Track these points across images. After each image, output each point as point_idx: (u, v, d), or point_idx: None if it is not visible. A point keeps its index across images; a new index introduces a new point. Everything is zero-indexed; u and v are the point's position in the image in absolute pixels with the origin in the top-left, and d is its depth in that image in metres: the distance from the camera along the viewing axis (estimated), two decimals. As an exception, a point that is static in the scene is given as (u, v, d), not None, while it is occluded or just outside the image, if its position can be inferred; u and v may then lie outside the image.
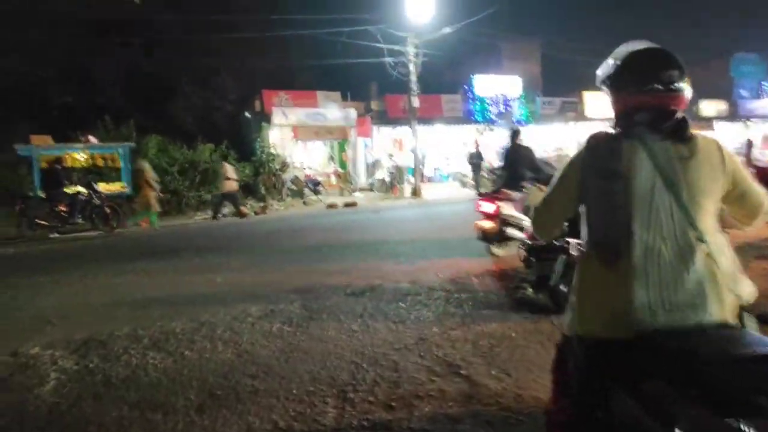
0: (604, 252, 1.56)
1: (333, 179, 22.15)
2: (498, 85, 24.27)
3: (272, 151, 19.26)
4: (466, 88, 23.87)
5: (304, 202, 18.02)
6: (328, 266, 6.56)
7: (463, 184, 22.66)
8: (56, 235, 11.39)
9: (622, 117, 1.65)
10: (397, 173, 21.08)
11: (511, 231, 6.30)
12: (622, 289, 1.50)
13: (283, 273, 6.35)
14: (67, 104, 21.33)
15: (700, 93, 30.17)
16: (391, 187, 20.70)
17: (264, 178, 18.06)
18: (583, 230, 1.67)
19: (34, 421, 2.87)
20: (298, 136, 21.30)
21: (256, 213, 15.44)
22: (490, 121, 23.58)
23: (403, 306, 4.74)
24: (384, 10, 19.50)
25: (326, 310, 4.73)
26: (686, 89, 1.64)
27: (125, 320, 4.64)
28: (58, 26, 20.32)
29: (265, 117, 20.76)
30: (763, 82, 33.40)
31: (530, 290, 5.12)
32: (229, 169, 14.26)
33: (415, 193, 19.74)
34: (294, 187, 18.80)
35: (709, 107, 30.25)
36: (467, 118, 23.68)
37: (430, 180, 23.06)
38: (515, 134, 6.92)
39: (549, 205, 1.74)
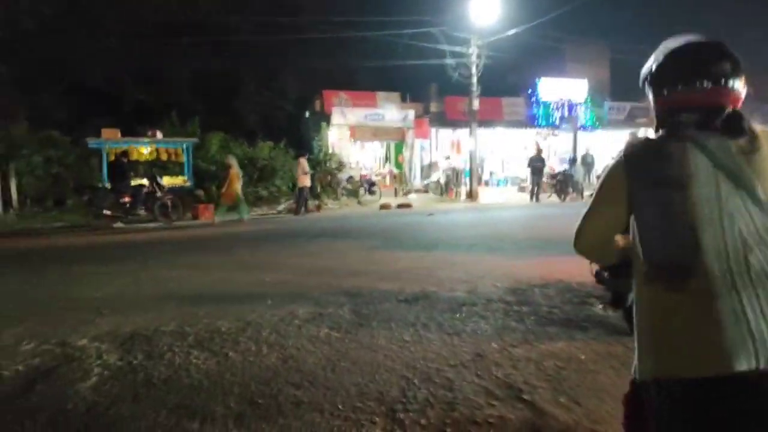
0: (668, 273, 1.29)
1: (388, 180, 22.02)
2: (563, 89, 23.36)
3: (330, 150, 19.32)
4: (530, 91, 23.10)
5: (359, 202, 17.95)
6: (379, 269, 6.32)
7: (521, 189, 21.97)
8: (120, 225, 11.77)
9: (666, 118, 1.45)
10: (453, 176, 20.69)
11: None
12: (704, 315, 1.23)
13: (332, 275, 6.16)
14: (139, 102, 22.26)
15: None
16: (446, 189, 20.34)
17: (320, 176, 18.12)
18: (636, 250, 1.38)
19: (72, 420, 2.77)
20: (355, 136, 21.29)
21: (308, 211, 15.46)
22: (554, 126, 22.72)
23: (459, 317, 4.42)
24: (447, 11, 19.14)
25: (377, 316, 4.48)
26: (741, 86, 1.39)
27: (172, 315, 4.57)
28: (134, 29, 21.29)
29: (325, 117, 20.88)
30: None
31: (600, 307, 4.69)
32: (306, 165, 14.74)
33: (471, 196, 19.29)
34: (349, 187, 18.77)
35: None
36: (529, 122, 22.92)
37: (486, 184, 22.48)
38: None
39: (592, 222, 1.51)
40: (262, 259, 7.35)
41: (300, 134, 22.99)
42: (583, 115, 23.35)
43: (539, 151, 19.25)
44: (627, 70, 27.32)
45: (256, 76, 22.43)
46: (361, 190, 18.79)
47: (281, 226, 11.88)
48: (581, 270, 6.01)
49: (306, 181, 14.70)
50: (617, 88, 26.22)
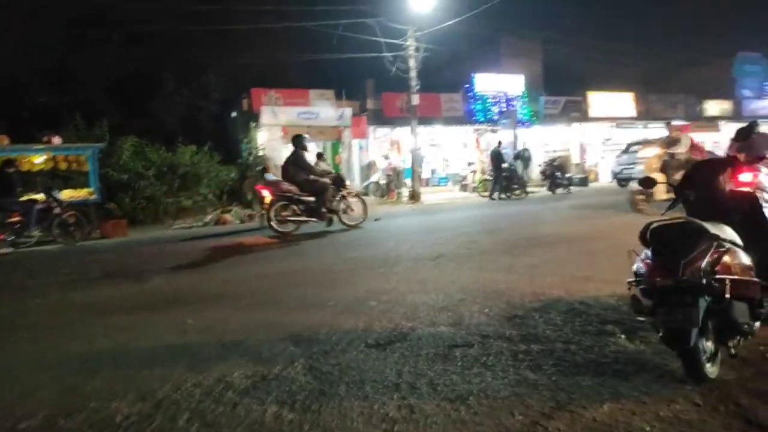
0: None
1: (325, 183, 20.67)
2: (500, 84, 22.97)
3: (260, 153, 17.73)
4: (467, 86, 22.52)
5: (296, 209, 16.48)
6: (333, 297, 5.08)
7: (463, 187, 21.35)
8: (9, 249, 9.78)
9: None
10: (394, 176, 19.71)
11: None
12: None
13: (277, 308, 4.86)
14: (41, 104, 19.63)
15: (705, 93, 29.23)
16: (387, 190, 19.32)
17: (251, 182, 16.51)
18: None
19: None
20: (288, 136, 19.76)
21: (241, 221, 13.91)
22: (492, 121, 22.25)
23: (455, 368, 3.27)
24: (381, 1, 18.08)
25: (343, 375, 3.25)
26: None
27: (45, 395, 3.12)
28: (37, 23, 18.80)
29: (254, 117, 19.25)
30: (765, 83, 32.57)
31: (623, 338, 3.70)
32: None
33: (414, 197, 18.36)
34: (284, 192, 17.26)
35: (713, 107, 29.29)
36: (468, 118, 22.33)
37: (428, 183, 21.68)
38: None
39: None
40: (183, 289, 5.90)
41: (227, 136, 21.17)
42: (520, 110, 23.06)
43: (499, 144, 18.64)
44: (559, 65, 27.58)
45: (176, 73, 20.37)
46: (297, 195, 17.35)
47: (207, 243, 10.31)
48: (572, 281, 5.05)
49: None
50: (550, 82, 26.32)
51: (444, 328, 4.00)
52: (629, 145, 20.16)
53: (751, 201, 3.53)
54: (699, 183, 3.59)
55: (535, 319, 4.10)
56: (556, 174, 17.96)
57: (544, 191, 18.72)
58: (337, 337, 3.91)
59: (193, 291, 5.77)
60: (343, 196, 10.66)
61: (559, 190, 17.80)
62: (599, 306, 4.33)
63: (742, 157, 3.73)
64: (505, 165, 17.28)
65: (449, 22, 18.32)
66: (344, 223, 10.55)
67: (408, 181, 19.82)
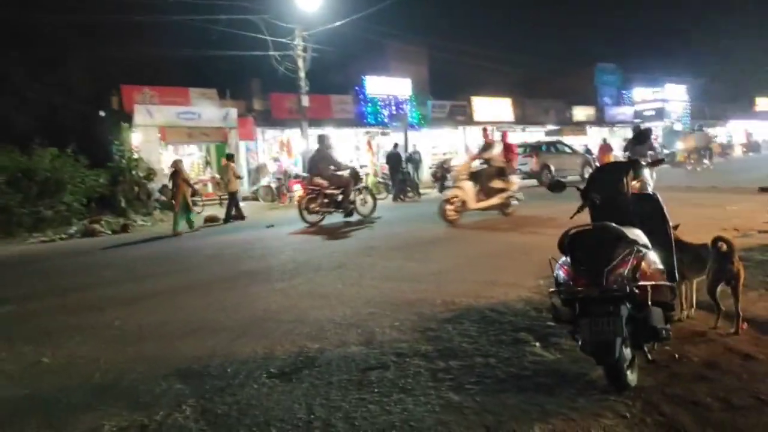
0: None
1: (210, 187, 19.47)
2: (389, 87, 23.15)
3: (135, 155, 16.14)
4: (358, 89, 22.41)
5: (177, 216, 15.20)
6: (226, 319, 4.51)
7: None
8: None
9: None
10: (285, 179, 19.01)
11: None
12: None
13: (158, 336, 4.19)
14: None
15: (572, 100, 31.86)
16: (278, 195, 18.56)
17: (125, 188, 14.97)
18: None
19: None
20: (166, 138, 18.29)
21: (114, 232, 12.52)
22: (383, 124, 22.35)
23: (371, 395, 2.93)
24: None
25: (243, 414, 2.77)
26: None
27: None
28: None
29: (126, 116, 17.51)
30: (622, 91, 36.27)
31: (538, 345, 3.60)
32: (237, 169, 14.03)
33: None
34: (164, 198, 15.89)
35: (580, 113, 31.98)
36: (359, 120, 22.22)
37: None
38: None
39: None
40: (38, 318, 4.96)
41: (94, 138, 19.10)
42: (409, 113, 23.41)
43: (396, 145, 18.58)
44: (443, 69, 28.50)
45: (29, 67, 17.93)
46: (180, 202, 16.06)
47: (72, 260, 9.04)
48: (479, 287, 4.95)
49: (235, 187, 13.95)
50: (436, 87, 27.09)
51: (355, 348, 3.65)
52: (511, 148, 21.23)
53: (653, 203, 3.59)
54: (604, 186, 3.57)
55: (449, 331, 3.89)
56: (446, 176, 18.38)
57: (435, 193, 19.09)
58: (234, 368, 3.40)
59: (52, 319, 4.87)
60: (359, 190, 11.56)
61: (450, 192, 18.25)
62: (510, 312, 4.23)
63: (643, 160, 3.79)
64: (403, 167, 17.39)
65: (336, 23, 18.06)
66: (361, 215, 11.40)
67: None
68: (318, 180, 10.86)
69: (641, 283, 2.72)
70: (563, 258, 3.00)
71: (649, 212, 3.56)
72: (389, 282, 5.42)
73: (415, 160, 21.01)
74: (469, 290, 4.93)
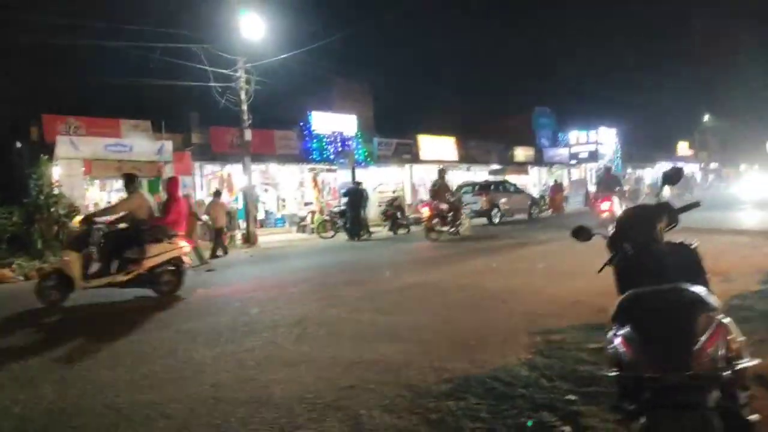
0: None
1: (141, 226, 17.88)
2: (335, 123, 22.62)
3: (55, 191, 14.50)
4: (302, 124, 21.72)
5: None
6: (161, 397, 3.53)
7: (301, 229, 20.25)
8: None
9: None
10: (227, 218, 17.79)
11: None
12: None
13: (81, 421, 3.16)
14: None
15: (513, 141, 32.62)
16: (217, 234, 17.27)
17: (42, 227, 13.31)
18: None
19: None
20: (92, 172, 16.71)
21: (27, 278, 10.94)
22: (329, 160, 21.68)
23: None
24: (208, 27, 16.50)
25: None
26: None
27: None
28: None
29: (47, 148, 15.84)
30: (558, 133, 37.67)
31: (568, 430, 2.90)
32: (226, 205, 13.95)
33: (249, 240, 16.72)
34: (87, 239, 14.26)
35: (521, 153, 32.74)
36: (304, 156, 21.45)
37: (263, 224, 20.12)
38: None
39: None
40: None
41: (9, 171, 17.25)
42: (355, 150, 22.91)
43: (358, 183, 17.86)
44: (389, 107, 28.45)
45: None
46: (106, 242, 14.50)
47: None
48: (469, 348, 4.23)
49: (222, 223, 14.09)
50: (381, 124, 26.89)
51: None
52: (459, 187, 21.10)
53: (691, 254, 3.05)
54: (636, 234, 2.99)
55: (452, 411, 3.12)
56: (397, 214, 17.84)
57: (384, 231, 18.47)
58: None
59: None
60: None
61: (401, 231, 17.66)
62: (517, 381, 3.53)
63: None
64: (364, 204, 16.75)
65: (281, 56, 17.44)
66: (459, 234, 14.25)
67: (241, 223, 18.07)
68: (441, 205, 13.95)
69: (739, 364, 2.10)
70: (622, 329, 2.35)
71: (686, 265, 3.00)
72: (364, 342, 4.60)
73: (363, 197, 20.41)
74: (458, 351, 4.21)
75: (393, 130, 26.26)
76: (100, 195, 19.00)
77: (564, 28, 71.21)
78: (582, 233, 3.23)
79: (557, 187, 26.08)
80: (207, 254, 12.39)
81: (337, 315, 5.63)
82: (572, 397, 3.26)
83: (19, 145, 17.18)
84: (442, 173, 15.05)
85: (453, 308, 5.72)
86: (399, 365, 3.94)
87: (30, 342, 5.36)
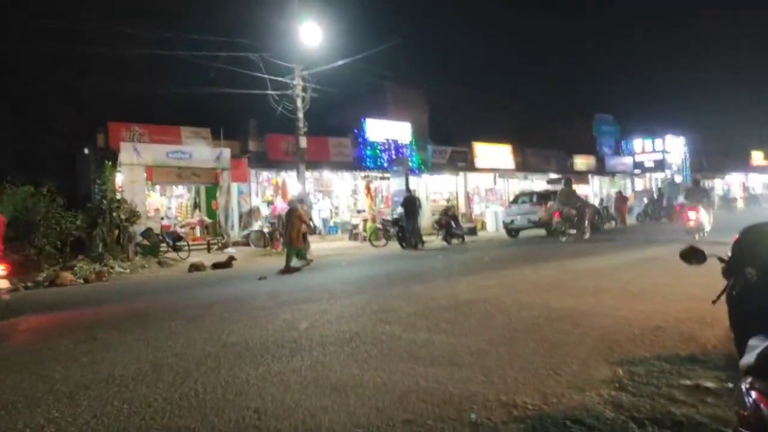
0: None
1: (198, 231, 18.26)
2: (388, 131, 22.40)
3: (117, 196, 14.94)
4: (357, 131, 21.61)
5: (159, 262, 13.95)
6: (200, 423, 3.24)
7: (353, 237, 20.06)
8: None
9: None
10: (279, 224, 17.82)
11: None
12: None
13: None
14: None
15: (572, 149, 31.36)
16: (271, 240, 17.36)
17: (103, 231, 13.70)
18: None
19: None
20: (153, 178, 17.19)
21: (86, 281, 11.20)
22: (382, 168, 21.44)
23: None
24: (266, 35, 16.67)
25: None
26: None
27: None
28: None
29: (111, 154, 16.41)
30: (621, 141, 35.99)
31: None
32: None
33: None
34: (146, 243, 14.62)
35: (581, 162, 31.43)
36: (357, 164, 21.31)
37: (317, 232, 20.06)
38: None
39: None
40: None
41: (76, 177, 17.98)
42: (409, 158, 22.59)
43: (411, 190, 17.70)
44: (443, 115, 27.95)
45: (4, 98, 16.88)
46: (163, 247, 14.81)
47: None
48: (540, 378, 3.70)
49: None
50: (435, 132, 26.41)
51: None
52: (517, 196, 20.36)
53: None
54: (761, 257, 2.43)
55: None
56: (451, 224, 17.33)
57: (437, 241, 17.98)
58: None
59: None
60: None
61: (454, 241, 17.13)
62: (601, 426, 3.01)
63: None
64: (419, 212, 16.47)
65: (337, 63, 17.39)
66: (586, 236, 16.08)
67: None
68: (568, 210, 15.63)
69: None
70: (760, 382, 1.82)
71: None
72: (420, 365, 4.18)
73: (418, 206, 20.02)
74: (527, 383, 3.71)
75: (447, 137, 25.77)
76: (161, 200, 19.53)
77: (628, 33, 68.57)
78: (694, 256, 2.70)
79: (621, 198, 24.85)
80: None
81: (390, 333, 5.23)
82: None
83: (86, 151, 17.90)
84: (569, 182, 16.83)
85: (518, 330, 5.20)
86: (460, 397, 3.49)
87: (73, 351, 5.27)
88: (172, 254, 14.84)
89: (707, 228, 13.47)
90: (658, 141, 34.87)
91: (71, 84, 18.14)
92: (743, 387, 1.87)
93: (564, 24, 63.03)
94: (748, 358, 1.93)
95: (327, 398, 3.57)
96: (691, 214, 13.67)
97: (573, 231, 15.75)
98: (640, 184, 34.25)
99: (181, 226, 18.08)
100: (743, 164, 43.24)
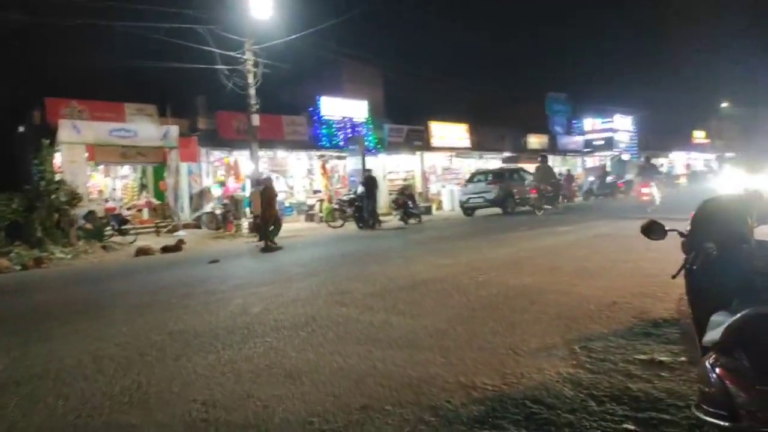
0: None
1: (146, 214, 17.53)
2: (344, 109, 22.01)
3: (56, 177, 14.08)
4: (312, 110, 21.13)
5: (104, 247, 13.30)
6: (141, 417, 3.02)
7: (309, 218, 19.77)
8: None
9: None
10: (232, 205, 17.36)
11: None
12: None
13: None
14: None
15: (527, 128, 31.79)
16: (224, 222, 16.87)
17: (42, 215, 12.91)
18: None
19: None
20: (95, 157, 16.31)
21: (24, 267, 10.55)
22: (338, 147, 21.10)
23: None
24: (214, 7, 15.88)
25: None
26: None
27: None
28: None
29: (48, 132, 15.40)
30: (573, 121, 36.75)
31: None
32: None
33: (256, 229, 16.20)
34: (89, 227, 13.88)
35: (534, 141, 31.94)
36: (313, 142, 20.89)
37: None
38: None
39: None
40: None
41: (12, 156, 16.86)
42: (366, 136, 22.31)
43: (368, 170, 17.47)
44: (400, 93, 27.70)
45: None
46: (108, 231, 14.11)
47: None
48: (499, 357, 3.67)
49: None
50: (392, 110, 26.18)
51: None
52: (473, 175, 20.48)
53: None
54: (720, 230, 2.39)
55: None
56: (408, 203, 17.26)
57: (394, 221, 17.92)
58: None
59: None
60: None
61: (412, 221, 17.09)
62: (561, 404, 2.97)
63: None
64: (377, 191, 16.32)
65: (290, 38, 16.83)
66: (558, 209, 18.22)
67: (248, 211, 17.60)
68: (546, 187, 17.34)
69: None
70: (732, 360, 1.76)
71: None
72: (377, 348, 4.06)
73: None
74: (487, 363, 3.65)
75: (404, 116, 25.59)
76: (105, 181, 18.64)
77: (579, 14, 69.77)
78: (655, 230, 2.63)
79: (568, 177, 25.51)
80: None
81: (346, 315, 5.08)
82: (630, 427, 2.70)
83: (21, 129, 16.77)
84: (544, 160, 18.53)
85: (476, 309, 5.15)
86: (419, 380, 3.39)
87: (4, 343, 4.88)
88: (117, 238, 14.17)
89: (657, 202, 14.71)
90: (608, 120, 35.80)
91: (3, 57, 16.87)
92: (707, 364, 1.82)
93: (519, 4, 63.53)
94: (713, 335, 1.87)
95: (281, 386, 3.40)
96: (645, 190, 15.23)
97: (548, 206, 17.23)
98: (590, 162, 35.18)
99: (128, 209, 17.30)
100: (686, 143, 45.09)
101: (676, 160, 43.33)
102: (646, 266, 6.63)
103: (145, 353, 4.25)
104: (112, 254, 12.84)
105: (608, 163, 33.47)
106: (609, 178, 26.08)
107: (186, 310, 5.72)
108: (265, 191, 12.96)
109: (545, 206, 17.04)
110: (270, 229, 12.50)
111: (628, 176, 26.94)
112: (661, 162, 40.07)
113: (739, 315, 1.72)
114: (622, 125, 36.93)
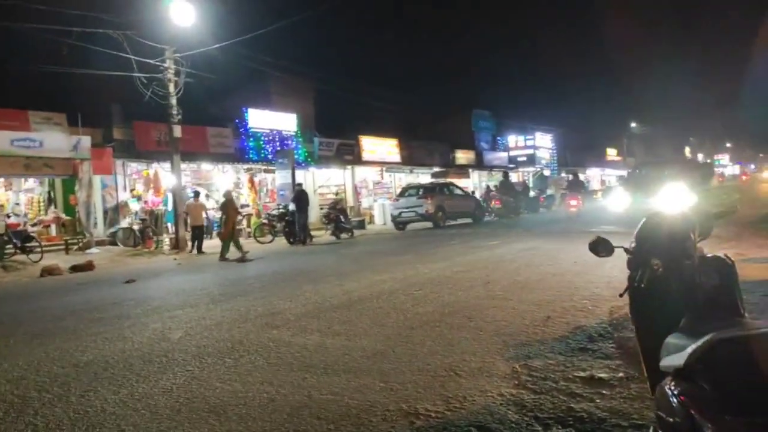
0: None
1: (54, 230, 16.16)
2: (273, 121, 21.49)
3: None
4: (238, 122, 20.44)
5: (3, 267, 12.07)
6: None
7: (238, 233, 18.98)
8: None
9: None
10: (152, 221, 16.38)
11: None
12: None
13: None
14: None
15: (455, 144, 32.54)
16: (142, 239, 15.87)
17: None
18: None
19: None
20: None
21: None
22: (267, 160, 20.52)
23: None
24: (130, 11, 14.99)
25: None
26: None
27: None
28: None
29: (-62, 141, 13.84)
30: (498, 137, 38.08)
31: None
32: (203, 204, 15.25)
33: (178, 245, 15.36)
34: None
35: (462, 156, 32.74)
36: (240, 155, 20.19)
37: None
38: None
39: None
40: None
41: None
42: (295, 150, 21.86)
43: (298, 184, 16.98)
44: (330, 107, 27.50)
45: None
46: (9, 249, 12.82)
47: None
48: (441, 379, 3.52)
49: (201, 220, 14.77)
50: (322, 124, 25.91)
51: None
52: (404, 189, 20.57)
53: (726, 271, 2.45)
54: (666, 247, 2.35)
55: None
56: (340, 218, 16.99)
57: (326, 236, 17.59)
58: None
59: None
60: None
61: (344, 235, 16.82)
62: (507, 429, 2.85)
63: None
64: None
65: (214, 46, 16.22)
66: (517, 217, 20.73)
67: (170, 226, 16.64)
68: (508, 199, 20.89)
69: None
70: (693, 387, 1.66)
71: (717, 285, 2.40)
72: (312, 374, 3.78)
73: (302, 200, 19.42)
74: (428, 386, 3.48)
75: (335, 130, 25.39)
76: (6, 195, 17.04)
77: (501, 32, 72.86)
78: (602, 247, 2.57)
79: (488, 192, 26.31)
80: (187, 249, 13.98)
81: (278, 338, 4.75)
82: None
83: None
84: (506, 175, 23.61)
85: (413, 327, 4.99)
86: (359, 409, 3.16)
87: None
88: (20, 257, 12.89)
89: (580, 213, 17.51)
90: (530, 138, 37.38)
91: None
92: (668, 390, 1.72)
93: (446, 20, 65.52)
94: (674, 359, 1.78)
95: (203, 423, 3.05)
96: (573, 202, 18.06)
97: (512, 215, 20.51)
98: (514, 177, 36.51)
99: (33, 225, 15.83)
100: (600, 159, 48.01)
101: (591, 176, 45.92)
102: (574, 279, 6.77)
103: (44, 390, 3.72)
104: (13, 274, 11.63)
105: (530, 179, 34.88)
106: (531, 193, 27.09)
107: (96, 338, 5.15)
108: (227, 203, 13.20)
109: (510, 215, 20.45)
110: (226, 240, 12.81)
111: (549, 191, 28.17)
112: (588, 178, 42.38)
113: (702, 340, 1.63)
114: (543, 143, 38.69)
